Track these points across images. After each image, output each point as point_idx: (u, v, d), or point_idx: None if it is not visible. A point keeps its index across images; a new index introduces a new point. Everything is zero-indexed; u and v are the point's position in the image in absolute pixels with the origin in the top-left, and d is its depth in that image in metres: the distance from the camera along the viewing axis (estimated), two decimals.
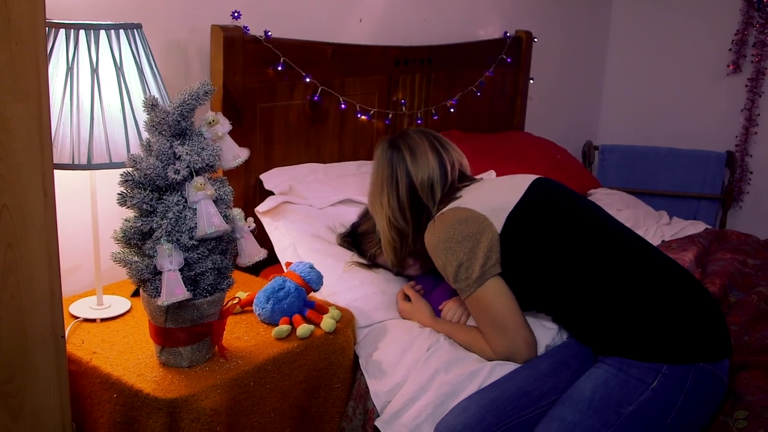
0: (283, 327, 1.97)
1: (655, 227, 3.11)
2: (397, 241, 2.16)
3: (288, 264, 2.17)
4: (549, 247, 1.91)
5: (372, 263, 2.37)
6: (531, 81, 3.90)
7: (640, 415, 1.72)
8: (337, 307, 2.13)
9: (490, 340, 1.95)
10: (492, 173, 2.98)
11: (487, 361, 1.97)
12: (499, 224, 1.90)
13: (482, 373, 1.92)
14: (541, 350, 1.99)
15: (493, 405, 1.82)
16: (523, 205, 1.93)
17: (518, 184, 2.01)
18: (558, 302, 1.95)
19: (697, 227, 3.12)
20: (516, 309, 1.93)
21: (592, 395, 1.76)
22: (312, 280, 2.10)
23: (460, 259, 1.90)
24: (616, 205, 3.31)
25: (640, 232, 2.99)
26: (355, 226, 2.44)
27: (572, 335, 2.00)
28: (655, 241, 2.91)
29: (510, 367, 1.93)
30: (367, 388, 2.05)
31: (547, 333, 2.01)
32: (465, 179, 2.15)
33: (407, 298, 2.24)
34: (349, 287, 2.27)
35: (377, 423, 1.97)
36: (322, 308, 2.09)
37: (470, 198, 2.00)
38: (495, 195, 2.00)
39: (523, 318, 1.95)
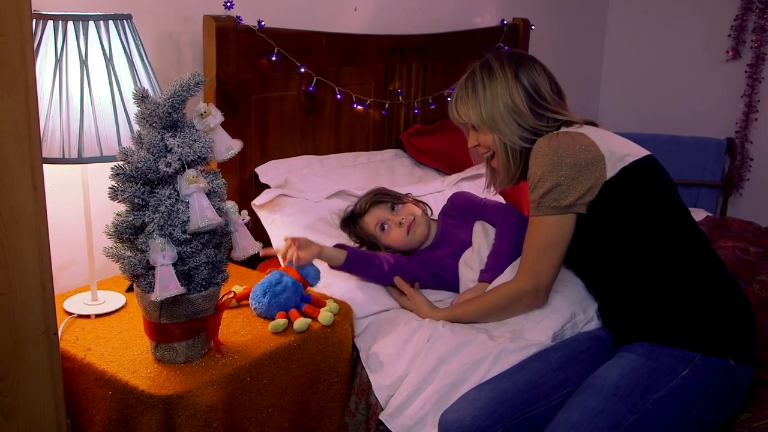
0: (280, 321, 1.95)
1: None
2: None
3: (284, 258, 2.14)
4: (633, 215, 1.87)
5: (370, 248, 2.35)
6: None
7: (668, 403, 1.69)
8: (335, 300, 2.10)
9: (523, 268, 1.96)
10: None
11: (500, 301, 2.02)
12: (611, 171, 1.85)
13: (486, 361, 1.89)
14: (547, 335, 1.96)
15: (503, 397, 1.79)
16: (638, 165, 1.89)
17: (638, 147, 1.99)
18: (610, 270, 1.94)
19: (698, 215, 3.09)
20: (564, 255, 1.94)
21: (618, 382, 1.73)
22: (309, 275, 2.08)
23: (559, 180, 1.85)
24: None
25: None
26: (354, 211, 2.40)
27: (601, 313, 2.04)
28: None
29: (516, 356, 1.90)
30: (368, 382, 2.03)
31: (558, 318, 1.99)
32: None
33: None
34: (345, 278, 2.24)
35: (382, 417, 1.96)
36: (319, 302, 2.06)
37: (591, 132, 1.93)
38: (616, 142, 1.94)
39: (561, 266, 1.98)
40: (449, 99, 3.27)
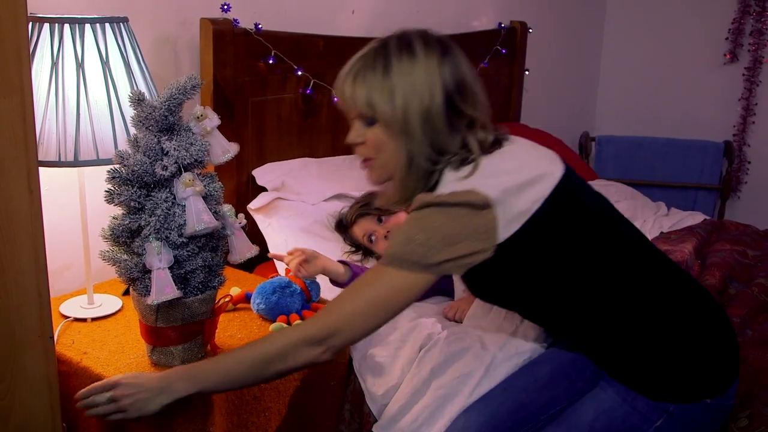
0: (280, 325, 1.94)
1: (653, 219, 3.09)
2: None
3: (288, 270, 2.13)
4: (562, 259, 1.56)
5: (365, 253, 2.34)
6: (526, 72, 3.87)
7: None
8: None
9: (333, 313, 1.53)
10: None
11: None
12: (506, 232, 1.50)
13: (477, 373, 1.87)
14: (540, 340, 1.91)
15: (492, 422, 1.76)
16: (543, 213, 1.51)
17: (545, 180, 1.54)
18: (560, 319, 1.67)
19: (695, 218, 3.09)
20: (394, 314, 1.56)
21: (593, 423, 1.62)
22: (313, 289, 2.10)
23: (431, 236, 1.47)
24: (614, 196, 3.28)
25: (637, 223, 2.96)
26: (343, 221, 2.39)
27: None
28: (653, 233, 2.88)
29: (507, 366, 1.88)
30: (361, 390, 2.02)
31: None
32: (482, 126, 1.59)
33: None
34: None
35: (374, 429, 1.94)
36: (318, 308, 2.06)
37: (495, 172, 1.51)
38: (524, 178, 1.51)
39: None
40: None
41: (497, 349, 1.91)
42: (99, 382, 1.62)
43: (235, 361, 1.55)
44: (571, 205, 1.55)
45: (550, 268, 1.55)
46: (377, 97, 1.53)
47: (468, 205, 1.46)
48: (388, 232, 2.24)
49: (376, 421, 1.97)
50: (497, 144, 1.56)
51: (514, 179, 1.49)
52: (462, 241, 1.46)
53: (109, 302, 2.09)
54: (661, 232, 2.91)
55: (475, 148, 1.52)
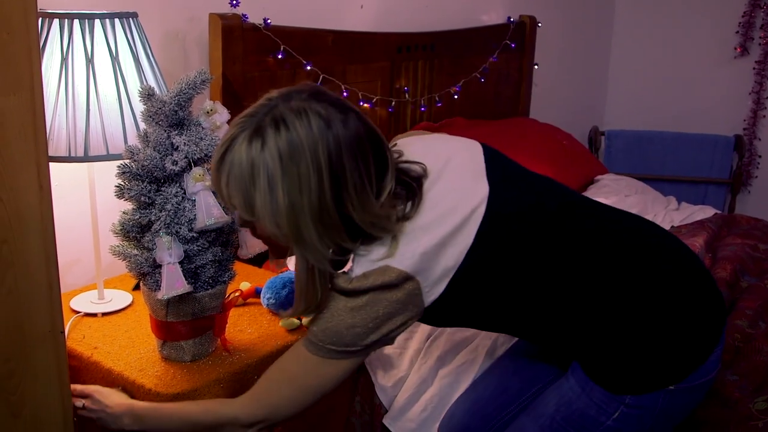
0: (291, 319, 1.94)
1: (663, 213, 3.08)
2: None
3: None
4: (505, 279, 1.47)
5: None
6: (536, 66, 3.85)
7: None
8: None
9: (257, 397, 1.52)
10: None
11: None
12: (436, 290, 1.42)
13: (480, 360, 1.89)
14: None
15: (475, 407, 1.78)
16: (472, 257, 1.42)
17: (468, 223, 1.43)
18: (521, 325, 1.59)
19: (706, 212, 3.08)
20: (325, 394, 1.52)
21: (554, 413, 1.57)
22: None
23: (356, 323, 1.40)
24: (624, 190, 3.28)
25: (648, 217, 2.93)
26: None
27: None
28: (664, 227, 2.87)
29: (506, 348, 1.89)
30: (372, 382, 2.02)
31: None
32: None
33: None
34: None
35: (385, 421, 1.95)
36: None
37: (404, 241, 1.40)
38: (439, 244, 1.41)
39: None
40: (456, 97, 3.29)
41: (498, 334, 1.92)
42: (78, 386, 1.71)
43: (172, 417, 1.59)
44: (503, 228, 1.45)
45: (495, 291, 1.48)
46: (258, 212, 1.34)
47: (384, 286, 1.37)
48: None
49: (386, 412, 1.97)
50: (414, 193, 1.43)
51: (433, 238, 1.39)
52: (387, 321, 1.40)
53: (120, 297, 2.09)
54: (672, 226, 2.90)
55: (376, 229, 1.39)
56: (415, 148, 1.53)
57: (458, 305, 1.47)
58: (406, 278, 1.37)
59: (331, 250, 1.39)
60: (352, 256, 1.42)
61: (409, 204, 1.41)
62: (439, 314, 1.49)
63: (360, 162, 1.33)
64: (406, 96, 3.10)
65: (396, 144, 1.58)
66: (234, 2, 2.39)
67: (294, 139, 1.29)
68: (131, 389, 1.71)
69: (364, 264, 1.39)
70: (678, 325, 1.47)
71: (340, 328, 1.40)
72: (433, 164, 1.48)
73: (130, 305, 2.07)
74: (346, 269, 1.44)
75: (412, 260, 1.37)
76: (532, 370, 1.76)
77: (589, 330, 1.49)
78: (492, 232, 1.43)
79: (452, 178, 1.47)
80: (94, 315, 2.00)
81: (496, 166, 1.53)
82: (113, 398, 1.66)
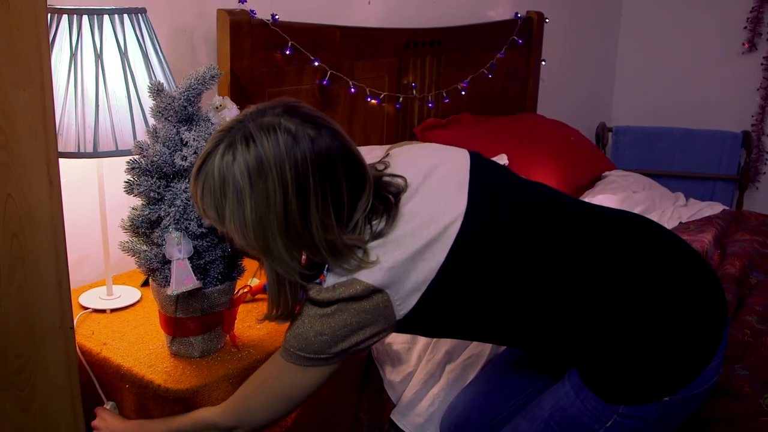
0: None
1: (671, 209, 3.07)
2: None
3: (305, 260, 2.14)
4: (484, 292, 1.45)
5: None
6: (543, 62, 3.85)
7: None
8: None
9: (235, 405, 1.55)
10: (503, 157, 2.94)
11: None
12: (408, 303, 1.41)
13: (485, 355, 1.90)
14: None
15: (475, 401, 1.79)
16: (445, 271, 1.41)
17: (442, 238, 1.41)
18: (511, 334, 1.56)
19: (714, 208, 3.07)
20: (302, 402, 1.55)
21: (549, 417, 1.56)
22: None
23: (326, 331, 1.41)
24: (632, 187, 3.27)
25: (656, 214, 2.95)
26: None
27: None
28: (672, 223, 2.87)
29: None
30: (380, 378, 2.03)
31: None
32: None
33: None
34: None
35: (393, 416, 1.95)
36: None
37: (374, 254, 1.40)
38: (409, 259, 1.40)
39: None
40: (463, 93, 3.28)
41: None
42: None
43: (158, 426, 1.65)
44: (476, 247, 1.43)
45: (473, 305, 1.46)
46: (229, 224, 1.37)
47: (352, 298, 1.38)
48: None
49: (394, 407, 1.97)
50: (390, 208, 1.43)
51: (404, 252, 1.39)
52: (356, 331, 1.41)
53: (128, 293, 2.10)
54: (680, 222, 2.89)
55: (334, 254, 1.39)
56: (402, 159, 1.54)
57: (434, 318, 1.46)
58: (374, 291, 1.38)
59: (301, 263, 1.42)
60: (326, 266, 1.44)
61: (384, 219, 1.42)
62: (415, 326, 1.48)
63: (327, 180, 1.34)
64: (414, 92, 3.09)
65: (389, 155, 1.59)
66: None
67: (260, 156, 1.31)
68: (140, 385, 1.71)
69: (333, 276, 1.41)
70: (675, 336, 1.45)
71: (309, 335, 1.42)
72: (414, 177, 1.49)
73: (138, 301, 2.07)
74: (321, 279, 1.45)
75: (380, 273, 1.38)
76: (532, 368, 1.76)
77: (582, 340, 1.48)
78: (465, 250, 1.42)
79: (431, 192, 1.47)
80: (103, 311, 2.00)
81: (482, 179, 1.51)
82: (115, 420, 1.74)
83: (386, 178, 1.48)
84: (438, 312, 1.45)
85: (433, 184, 1.48)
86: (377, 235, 1.41)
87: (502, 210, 1.48)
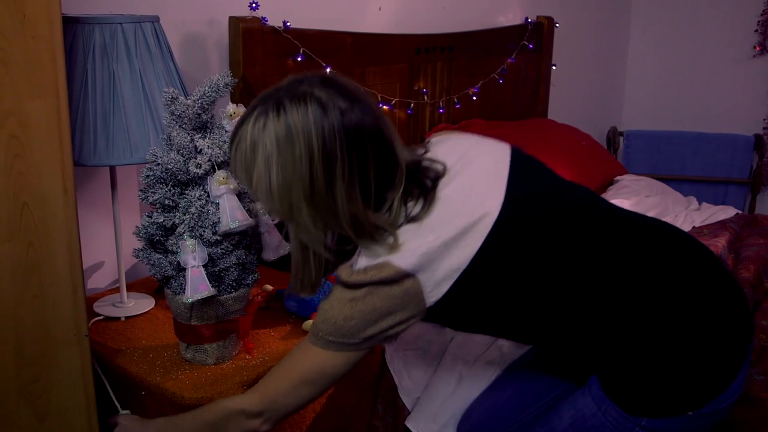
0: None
1: (684, 213, 3.06)
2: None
3: None
4: (512, 290, 1.44)
5: None
6: (554, 67, 3.84)
7: None
8: None
9: (264, 390, 1.52)
10: None
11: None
12: (439, 291, 1.40)
13: (502, 359, 1.89)
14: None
15: (492, 408, 1.78)
16: (478, 262, 1.39)
17: (477, 227, 1.40)
18: (535, 335, 1.56)
19: (727, 212, 3.06)
20: (329, 386, 1.53)
21: (568, 428, 1.55)
22: None
23: (352, 315, 1.40)
24: (644, 191, 3.26)
25: (669, 218, 2.93)
26: None
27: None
28: (685, 227, 2.86)
29: (520, 350, 1.88)
30: (394, 384, 2.02)
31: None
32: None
33: None
34: None
35: (408, 423, 1.95)
36: None
37: (408, 238, 1.39)
38: (443, 246, 1.38)
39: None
40: (474, 98, 3.28)
41: None
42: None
43: (185, 422, 1.59)
44: (510, 242, 1.41)
45: (503, 300, 1.45)
46: (255, 186, 1.38)
47: (383, 281, 1.37)
48: None
49: (409, 413, 1.97)
50: (427, 193, 1.42)
51: (438, 238, 1.37)
52: (385, 316, 1.39)
53: (142, 300, 2.10)
54: (693, 227, 2.88)
55: (385, 221, 1.40)
56: (442, 147, 1.53)
57: (464, 309, 1.45)
58: (405, 276, 1.37)
59: (328, 235, 1.43)
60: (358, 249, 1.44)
61: (420, 203, 1.41)
62: (444, 316, 1.47)
63: (354, 153, 1.34)
64: (425, 98, 3.09)
65: (429, 141, 1.58)
66: (254, 5, 2.39)
67: (289, 124, 1.32)
68: (155, 393, 1.71)
69: (365, 258, 1.40)
70: (704, 349, 1.43)
71: (338, 319, 1.40)
72: (453, 163, 1.47)
73: (152, 309, 2.07)
74: (351, 262, 1.45)
75: (412, 259, 1.36)
76: (552, 375, 1.75)
77: (609, 346, 1.46)
78: (499, 242, 1.40)
79: (469, 181, 1.45)
80: (118, 318, 2.00)
81: (521, 174, 1.48)
82: (134, 424, 1.67)
83: (425, 163, 1.47)
84: (467, 303, 1.43)
85: (471, 173, 1.47)
86: (412, 219, 1.40)
87: (539, 207, 1.46)
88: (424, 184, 1.42)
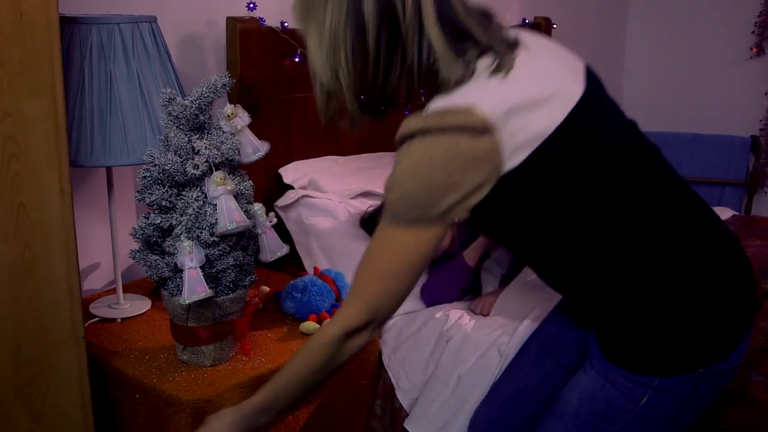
0: (311, 324, 1.94)
1: None
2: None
3: (317, 269, 2.14)
4: (566, 195, 1.34)
5: None
6: None
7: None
8: None
9: (357, 296, 1.38)
10: None
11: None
12: (512, 161, 1.26)
13: (497, 357, 1.89)
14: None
15: (492, 414, 1.78)
16: (553, 141, 1.28)
17: (559, 100, 1.31)
18: (560, 262, 1.46)
19: (724, 214, 3.05)
20: (418, 278, 1.39)
21: (578, 409, 1.50)
22: (343, 287, 2.10)
23: (429, 182, 1.26)
24: None
25: None
26: (375, 213, 2.39)
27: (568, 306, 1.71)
28: None
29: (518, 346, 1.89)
30: (392, 385, 2.02)
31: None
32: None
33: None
34: None
35: (406, 424, 1.95)
36: None
37: (492, 85, 1.27)
38: (526, 105, 1.26)
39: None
40: None
41: (513, 336, 1.93)
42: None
43: (287, 386, 1.43)
44: (585, 135, 1.32)
45: (552, 205, 1.34)
46: (309, 36, 1.35)
47: (464, 129, 1.22)
48: None
49: (407, 415, 1.96)
50: (503, 53, 1.30)
51: (522, 95, 1.26)
52: (463, 177, 1.24)
53: (138, 302, 2.09)
54: None
55: (469, 56, 1.27)
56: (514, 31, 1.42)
57: (520, 195, 1.32)
58: (487, 129, 1.22)
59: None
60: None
61: (497, 61, 1.28)
62: (499, 201, 1.32)
63: None
64: (422, 98, 3.08)
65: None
66: (251, 5, 2.38)
67: None
68: (151, 395, 1.70)
69: (443, 101, 1.26)
70: (718, 303, 1.40)
71: (414, 187, 1.27)
72: (530, 44, 1.37)
73: (148, 310, 2.07)
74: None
75: (498, 110, 1.23)
76: (541, 370, 1.73)
77: (626, 293, 1.40)
78: (575, 128, 1.30)
79: (548, 60, 1.37)
80: (114, 320, 2.00)
81: (595, 84, 1.42)
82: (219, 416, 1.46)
83: (503, 31, 1.36)
84: (527, 192, 1.31)
85: (548, 55, 1.39)
86: (495, 71, 1.27)
87: (608, 120, 1.40)
88: (504, 41, 1.31)
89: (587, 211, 1.35)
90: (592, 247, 1.39)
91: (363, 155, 2.85)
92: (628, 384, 1.42)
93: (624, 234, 1.38)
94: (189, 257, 1.62)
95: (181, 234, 1.63)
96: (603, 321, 1.48)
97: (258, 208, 1.76)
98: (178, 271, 1.66)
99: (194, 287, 1.63)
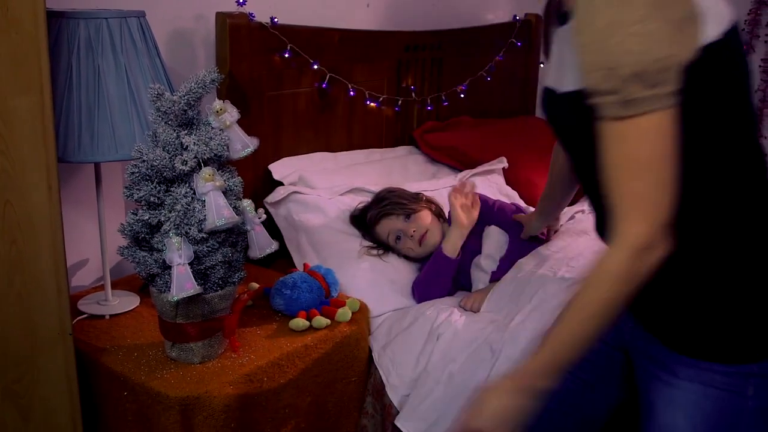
0: (300, 320, 1.93)
1: None
2: None
3: (307, 265, 2.14)
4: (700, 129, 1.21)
5: (385, 249, 2.33)
6: (541, 65, 3.84)
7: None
8: (355, 299, 2.09)
9: (628, 212, 1.18)
10: (503, 159, 2.94)
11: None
12: (715, 30, 1.17)
13: (489, 356, 1.89)
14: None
15: None
16: (726, 41, 1.19)
17: (721, 14, 1.20)
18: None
19: None
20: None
21: (695, 428, 1.33)
22: (333, 284, 2.10)
23: (657, 50, 1.10)
24: None
25: None
26: (365, 210, 2.39)
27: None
28: None
29: (513, 348, 1.88)
30: (382, 382, 2.01)
31: None
32: None
33: None
34: (357, 277, 2.23)
35: (396, 422, 1.94)
36: (337, 302, 2.05)
37: None
38: None
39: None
40: (462, 96, 3.27)
41: (505, 332, 1.92)
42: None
43: (573, 333, 1.25)
44: (740, 53, 1.23)
45: (699, 129, 1.21)
46: None
47: None
48: (413, 231, 2.25)
49: (398, 412, 1.96)
50: None
51: None
52: (686, 28, 1.12)
53: (127, 299, 2.08)
54: None
55: None
56: None
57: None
58: None
59: None
60: None
61: None
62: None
63: None
64: (413, 95, 3.08)
65: None
66: (241, 1, 2.37)
67: None
68: (139, 392, 1.70)
69: None
70: None
71: (655, 62, 1.11)
72: None
73: (137, 307, 2.06)
74: None
75: None
76: (581, 410, 1.57)
77: (724, 258, 1.28)
78: (727, 47, 1.20)
79: None
80: (102, 317, 1.99)
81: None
82: (485, 408, 1.28)
83: None
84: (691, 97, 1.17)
85: None
86: None
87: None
88: None
89: (718, 151, 1.27)
90: (706, 198, 1.27)
91: (352, 152, 2.85)
92: (727, 380, 1.29)
93: (736, 192, 1.30)
94: (177, 254, 1.61)
95: (169, 230, 1.62)
96: (684, 310, 1.33)
97: (247, 204, 1.75)
98: (166, 267, 1.66)
99: (183, 284, 1.62)
